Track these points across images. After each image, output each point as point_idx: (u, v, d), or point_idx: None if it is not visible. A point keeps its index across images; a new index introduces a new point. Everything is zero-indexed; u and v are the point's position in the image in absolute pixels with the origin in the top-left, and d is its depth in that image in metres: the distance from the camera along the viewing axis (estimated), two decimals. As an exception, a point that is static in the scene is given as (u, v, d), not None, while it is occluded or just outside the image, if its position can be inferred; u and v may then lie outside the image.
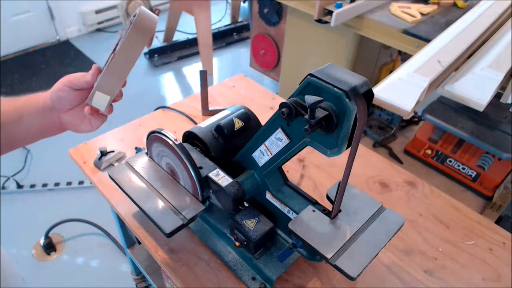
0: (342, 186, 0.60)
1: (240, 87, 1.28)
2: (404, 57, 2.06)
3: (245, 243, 0.72)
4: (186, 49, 3.29)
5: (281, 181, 0.75)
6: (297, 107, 0.56)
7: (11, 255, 1.79)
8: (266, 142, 0.68)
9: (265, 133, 0.67)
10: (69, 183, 2.10)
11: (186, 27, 3.39)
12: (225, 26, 3.56)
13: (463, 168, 1.60)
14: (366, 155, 1.03)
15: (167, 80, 3.05)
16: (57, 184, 2.10)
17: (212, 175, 0.72)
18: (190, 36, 3.32)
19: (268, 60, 2.45)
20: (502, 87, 1.04)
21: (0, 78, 2.85)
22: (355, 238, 0.62)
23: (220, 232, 0.80)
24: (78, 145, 1.03)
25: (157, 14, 2.74)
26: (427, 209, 0.90)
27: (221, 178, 0.72)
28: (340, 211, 0.66)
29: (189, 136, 0.81)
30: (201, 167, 0.73)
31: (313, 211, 0.66)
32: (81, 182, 2.10)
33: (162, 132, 0.72)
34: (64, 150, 1.06)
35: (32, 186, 2.09)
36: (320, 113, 0.53)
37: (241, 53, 3.38)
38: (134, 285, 1.48)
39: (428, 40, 1.33)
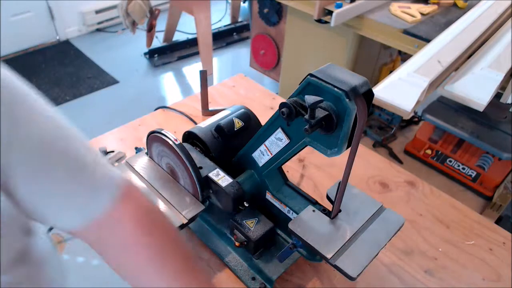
0: (342, 186, 0.60)
1: (240, 87, 1.28)
2: (404, 57, 2.06)
3: (245, 243, 0.72)
4: (186, 49, 3.29)
5: (281, 181, 0.75)
6: (297, 107, 0.56)
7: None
8: (266, 142, 0.68)
9: (265, 133, 0.67)
10: (69, 183, 2.10)
11: (186, 27, 3.39)
12: (225, 26, 3.56)
13: (463, 168, 1.60)
14: (366, 155, 1.03)
15: (167, 80, 3.05)
16: (57, 184, 2.10)
17: (212, 175, 0.72)
18: (190, 36, 3.32)
19: (268, 60, 2.45)
20: (502, 87, 1.04)
21: (0, 78, 2.85)
22: (355, 238, 0.62)
23: (220, 232, 0.80)
24: (78, 145, 1.03)
25: (157, 14, 2.75)
26: (427, 209, 0.90)
27: (221, 178, 0.71)
28: (340, 211, 0.66)
29: (189, 136, 0.81)
30: (201, 167, 0.73)
31: (313, 211, 0.66)
32: (81, 182, 2.10)
33: (162, 132, 0.72)
34: (64, 150, 1.06)
35: (32, 186, 2.09)
36: (320, 113, 0.53)
37: (241, 53, 3.38)
38: (134, 285, 1.48)
39: (428, 40, 1.33)
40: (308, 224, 0.64)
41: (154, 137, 0.74)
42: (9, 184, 0.39)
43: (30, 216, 0.44)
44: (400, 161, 1.76)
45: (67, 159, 0.43)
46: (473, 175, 1.58)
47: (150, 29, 2.85)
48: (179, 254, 0.50)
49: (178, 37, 3.32)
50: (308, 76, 0.54)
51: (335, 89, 0.51)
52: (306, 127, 0.52)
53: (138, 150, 0.89)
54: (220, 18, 3.73)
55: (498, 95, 1.02)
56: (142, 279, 0.48)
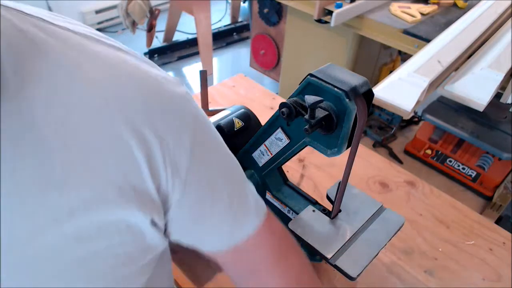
0: (342, 186, 0.60)
1: (240, 87, 1.28)
2: (404, 57, 2.06)
3: (245, 243, 0.72)
4: (186, 49, 3.28)
5: (281, 181, 0.75)
6: (297, 107, 0.56)
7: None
8: (266, 142, 0.68)
9: (265, 133, 0.67)
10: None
11: (186, 27, 3.39)
12: (225, 26, 3.56)
13: (463, 168, 1.60)
14: (366, 155, 1.03)
15: (167, 80, 3.05)
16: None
17: (212, 175, 0.72)
18: (190, 36, 3.32)
19: (268, 60, 2.45)
20: (502, 87, 1.04)
21: (0, 78, 2.85)
22: (355, 238, 0.62)
23: (220, 232, 0.80)
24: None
25: (157, 14, 2.74)
26: (427, 209, 0.90)
27: (221, 178, 0.71)
28: (340, 211, 0.66)
29: (189, 136, 0.81)
30: (201, 167, 0.73)
31: (313, 211, 0.66)
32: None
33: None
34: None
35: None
36: (320, 113, 0.53)
37: (241, 53, 3.38)
38: (134, 285, 1.48)
39: (428, 40, 1.34)
40: (308, 224, 0.64)
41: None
42: (167, 205, 0.38)
43: (171, 238, 0.43)
44: (400, 161, 1.76)
45: (231, 183, 0.44)
46: (473, 175, 1.58)
47: (150, 29, 2.85)
48: (311, 279, 0.51)
49: (178, 37, 3.32)
50: (308, 76, 0.54)
51: (335, 89, 0.51)
52: (306, 127, 0.52)
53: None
54: (220, 18, 3.73)
55: (498, 95, 1.02)
56: None
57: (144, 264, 0.40)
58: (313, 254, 0.71)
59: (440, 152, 1.65)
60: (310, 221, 0.64)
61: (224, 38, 3.46)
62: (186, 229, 0.42)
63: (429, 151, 1.68)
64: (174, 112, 0.36)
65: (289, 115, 0.56)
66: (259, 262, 0.48)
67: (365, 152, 1.04)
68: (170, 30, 3.22)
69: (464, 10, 1.66)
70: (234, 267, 0.49)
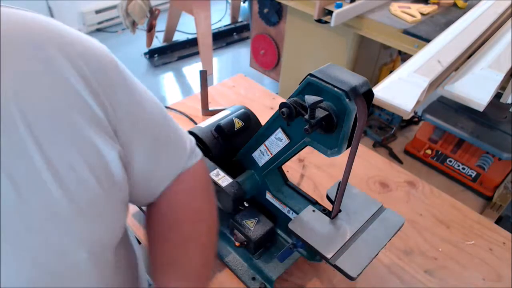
0: (342, 186, 0.60)
1: (240, 87, 1.28)
2: (404, 57, 2.06)
3: (245, 243, 0.72)
4: (186, 49, 3.28)
5: (281, 181, 0.75)
6: (297, 107, 0.56)
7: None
8: (266, 142, 0.68)
9: (265, 133, 0.67)
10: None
11: (186, 27, 3.39)
12: (225, 26, 3.56)
13: (463, 168, 1.60)
14: (366, 155, 1.03)
15: (167, 80, 3.05)
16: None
17: (212, 175, 0.72)
18: (190, 36, 3.32)
19: (268, 60, 2.45)
20: (502, 87, 1.04)
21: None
22: (355, 238, 0.62)
23: (220, 232, 0.80)
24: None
25: (157, 14, 2.74)
26: (427, 209, 0.90)
27: (221, 178, 0.72)
28: (340, 211, 0.66)
29: (189, 136, 0.81)
30: (201, 167, 0.73)
31: (313, 211, 0.66)
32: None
33: (162, 132, 0.72)
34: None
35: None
36: (320, 113, 0.53)
37: (241, 53, 3.38)
38: (134, 285, 1.48)
39: (428, 40, 1.34)
40: (308, 224, 0.64)
41: (154, 137, 0.74)
42: (129, 158, 0.47)
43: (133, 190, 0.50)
44: (400, 161, 1.76)
45: (168, 131, 0.53)
46: (473, 175, 1.58)
47: (150, 29, 2.85)
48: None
49: (178, 37, 3.32)
50: (308, 76, 0.54)
51: (335, 89, 0.51)
52: (306, 127, 0.52)
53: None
54: (220, 18, 3.73)
55: (498, 95, 1.02)
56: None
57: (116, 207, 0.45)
58: (313, 254, 0.71)
59: (440, 152, 1.65)
60: (310, 221, 0.64)
61: (224, 38, 3.46)
62: (139, 170, 0.49)
63: (429, 151, 1.68)
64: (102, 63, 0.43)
65: (289, 115, 0.56)
66: (195, 184, 0.58)
67: (365, 152, 1.04)
68: (170, 30, 3.22)
69: (464, 10, 1.66)
70: (173, 195, 0.56)
